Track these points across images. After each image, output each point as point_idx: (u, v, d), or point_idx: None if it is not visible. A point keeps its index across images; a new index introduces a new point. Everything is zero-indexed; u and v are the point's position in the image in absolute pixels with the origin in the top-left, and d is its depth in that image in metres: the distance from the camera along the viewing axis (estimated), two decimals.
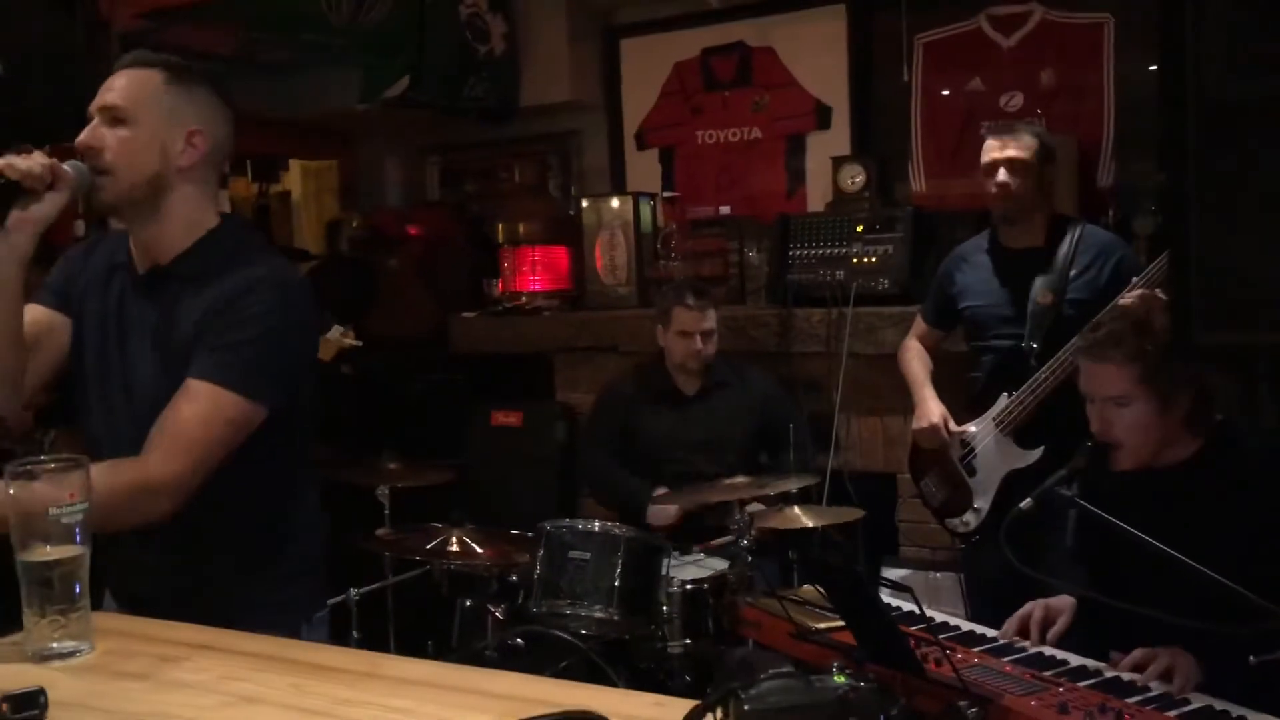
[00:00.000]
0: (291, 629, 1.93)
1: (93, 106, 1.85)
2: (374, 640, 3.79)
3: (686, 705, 1.05)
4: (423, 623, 3.79)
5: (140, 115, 1.83)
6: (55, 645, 1.40)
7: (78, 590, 1.41)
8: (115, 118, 1.82)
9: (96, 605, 1.85)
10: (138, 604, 1.91)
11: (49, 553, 1.40)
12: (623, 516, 3.86)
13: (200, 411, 1.75)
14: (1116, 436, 2.36)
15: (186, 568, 1.91)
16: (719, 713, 1.00)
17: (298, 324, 1.91)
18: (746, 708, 0.96)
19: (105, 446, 1.87)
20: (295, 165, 6.20)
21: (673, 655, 3.17)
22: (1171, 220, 2.00)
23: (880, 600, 2.30)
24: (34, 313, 1.93)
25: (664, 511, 3.62)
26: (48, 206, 1.75)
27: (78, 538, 1.41)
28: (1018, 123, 3.29)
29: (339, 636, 3.65)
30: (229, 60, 4.60)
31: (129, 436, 1.80)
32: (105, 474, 1.64)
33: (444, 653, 3.56)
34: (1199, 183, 1.96)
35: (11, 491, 1.40)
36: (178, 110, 1.85)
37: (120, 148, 1.82)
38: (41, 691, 1.22)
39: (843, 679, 0.99)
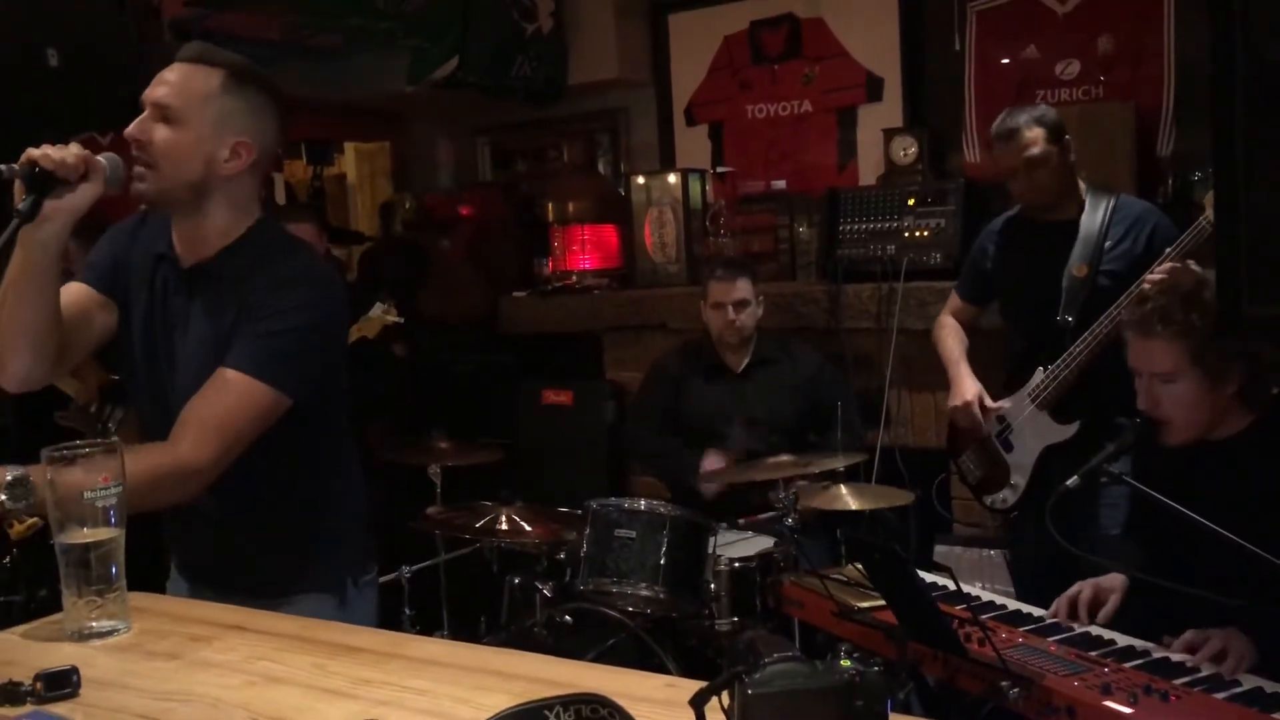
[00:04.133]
0: (339, 592, 2.02)
1: (146, 96, 1.86)
2: (426, 617, 3.84)
3: (697, 687, 1.04)
4: (474, 600, 3.83)
5: (190, 118, 1.83)
6: (93, 624, 1.44)
7: (114, 571, 1.45)
8: (165, 115, 1.84)
9: (163, 580, 1.92)
10: (196, 576, 2.02)
11: (85, 535, 1.43)
12: (672, 487, 3.87)
13: (231, 400, 1.80)
14: (1165, 413, 2.31)
15: (235, 542, 1.97)
16: (725, 697, 1.00)
17: (331, 320, 1.96)
18: (751, 692, 0.96)
19: (154, 433, 1.92)
20: (349, 148, 6.27)
21: (720, 633, 3.17)
22: (1220, 189, 1.94)
23: (920, 579, 2.28)
24: (76, 291, 1.98)
25: (713, 465, 3.62)
26: (80, 197, 1.77)
27: (113, 520, 1.44)
28: (1012, 118, 3.20)
29: (392, 613, 3.71)
30: (278, 45, 4.64)
31: (174, 417, 1.83)
32: (136, 459, 1.68)
33: (494, 630, 3.60)
34: (1248, 149, 1.90)
35: (49, 476, 1.43)
36: (229, 118, 1.86)
37: (166, 147, 1.83)
38: (74, 670, 1.25)
39: (849, 663, 0.98)
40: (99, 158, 1.79)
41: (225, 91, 1.85)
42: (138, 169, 1.84)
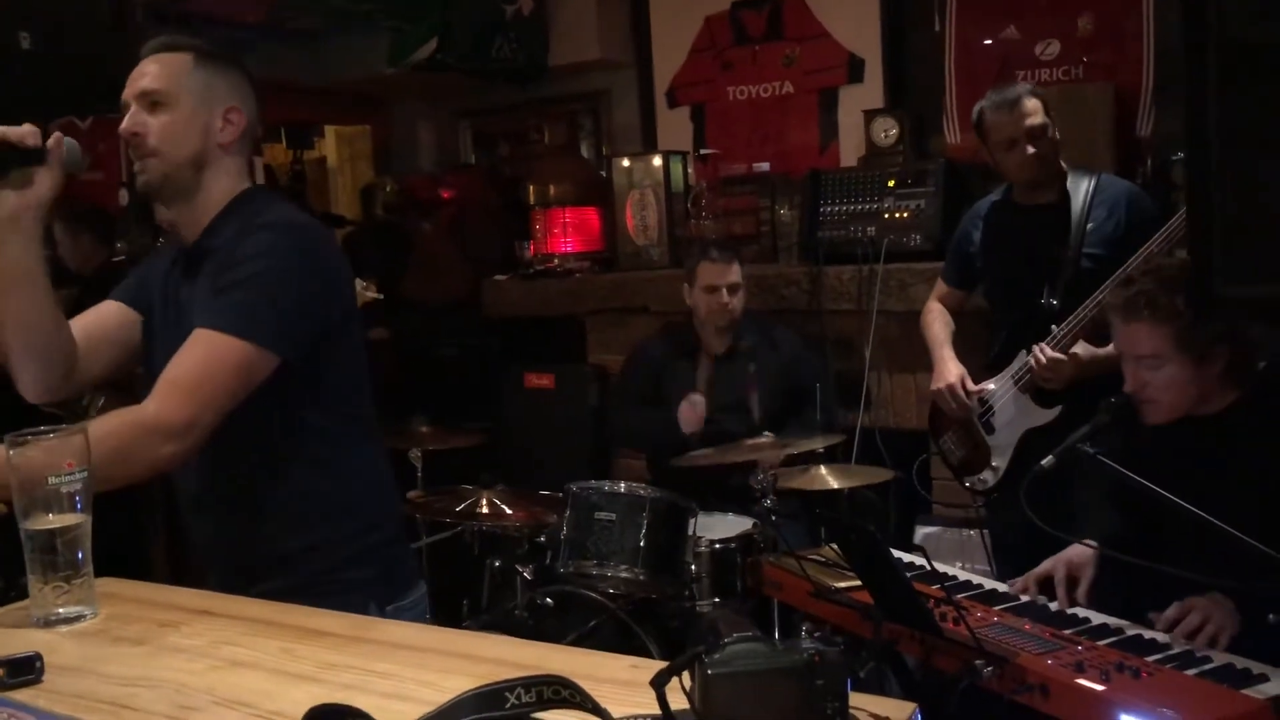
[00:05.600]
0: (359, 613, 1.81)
1: (127, 94, 1.86)
2: None
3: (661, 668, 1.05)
4: (456, 583, 3.83)
5: (179, 97, 1.84)
6: (60, 610, 1.43)
7: (80, 557, 1.44)
8: (154, 102, 1.84)
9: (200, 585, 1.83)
10: (227, 586, 1.81)
11: (51, 521, 1.42)
12: (656, 457, 3.86)
13: (197, 357, 1.72)
14: (1151, 395, 2.32)
15: (230, 543, 1.91)
16: (686, 677, 1.00)
17: (306, 268, 1.81)
18: (710, 672, 0.96)
19: None
20: (330, 131, 6.23)
21: (702, 614, 3.18)
22: (1192, 168, 1.94)
23: (895, 559, 2.28)
24: (108, 308, 1.98)
25: (693, 408, 3.62)
26: (41, 186, 1.75)
27: (79, 505, 1.43)
28: (1010, 89, 3.19)
29: None
30: (257, 28, 4.61)
31: None
32: (105, 424, 1.66)
33: (477, 612, 3.60)
34: (1220, 127, 1.90)
35: (12, 461, 1.42)
36: (213, 89, 1.87)
37: (163, 131, 1.83)
38: (37, 656, 1.25)
39: (810, 643, 0.98)
40: (59, 139, 1.78)
41: (199, 66, 1.87)
42: (138, 165, 1.84)
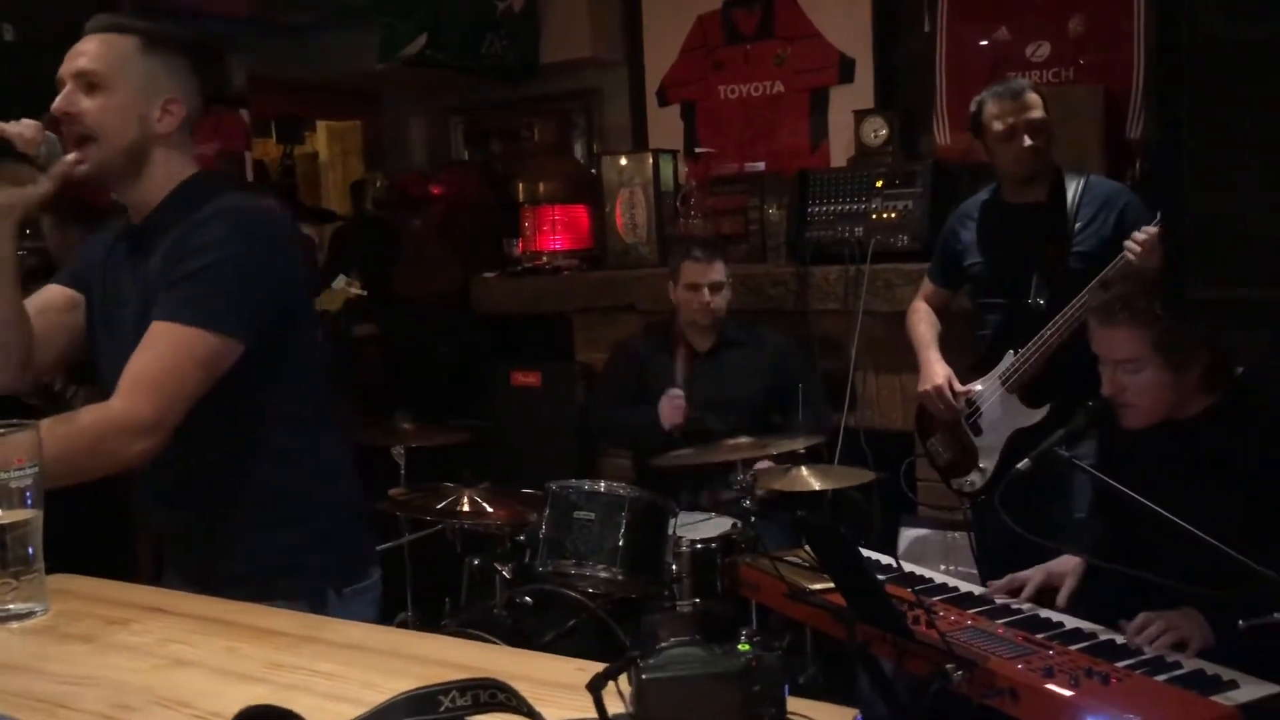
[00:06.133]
0: (316, 600, 1.86)
1: (64, 71, 1.83)
2: (389, 598, 3.82)
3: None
4: (438, 582, 3.82)
5: (116, 82, 1.81)
6: (9, 607, 1.41)
7: (30, 552, 1.42)
8: (91, 84, 1.80)
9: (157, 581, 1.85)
10: (188, 577, 1.88)
11: (1, 516, 1.41)
12: (638, 454, 3.85)
13: (160, 352, 1.72)
14: (1129, 399, 2.31)
15: (192, 531, 1.91)
16: (624, 681, 0.99)
17: (262, 255, 1.81)
18: (645, 676, 0.95)
19: None
20: (321, 127, 6.22)
21: (683, 615, 3.17)
22: (1163, 168, 1.92)
23: (865, 562, 2.27)
24: (51, 292, 1.96)
25: (673, 402, 3.61)
26: (34, 190, 1.76)
27: (29, 501, 1.42)
28: (1013, 82, 3.19)
29: None
30: (246, 22, 4.59)
31: None
32: (71, 422, 1.66)
33: (457, 610, 3.59)
34: (1192, 127, 1.88)
35: None
36: (153, 78, 1.84)
37: (99, 114, 1.80)
38: None
39: (748, 647, 0.97)
40: (37, 128, 1.77)
41: (143, 53, 1.83)
42: (75, 154, 1.80)
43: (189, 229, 1.79)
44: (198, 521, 1.91)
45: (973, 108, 3.24)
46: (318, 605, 1.85)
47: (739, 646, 0.97)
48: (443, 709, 0.99)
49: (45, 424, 1.51)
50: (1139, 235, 2.82)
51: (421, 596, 3.94)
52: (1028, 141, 3.12)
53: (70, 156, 1.80)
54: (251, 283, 1.79)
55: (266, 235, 1.85)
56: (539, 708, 1.04)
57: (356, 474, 2.03)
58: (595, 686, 0.98)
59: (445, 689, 1.00)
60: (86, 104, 1.80)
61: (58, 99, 1.81)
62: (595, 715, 0.99)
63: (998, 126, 3.15)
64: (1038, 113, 3.13)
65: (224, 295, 1.75)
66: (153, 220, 1.88)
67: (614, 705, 0.99)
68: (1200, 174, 1.87)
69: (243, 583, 1.73)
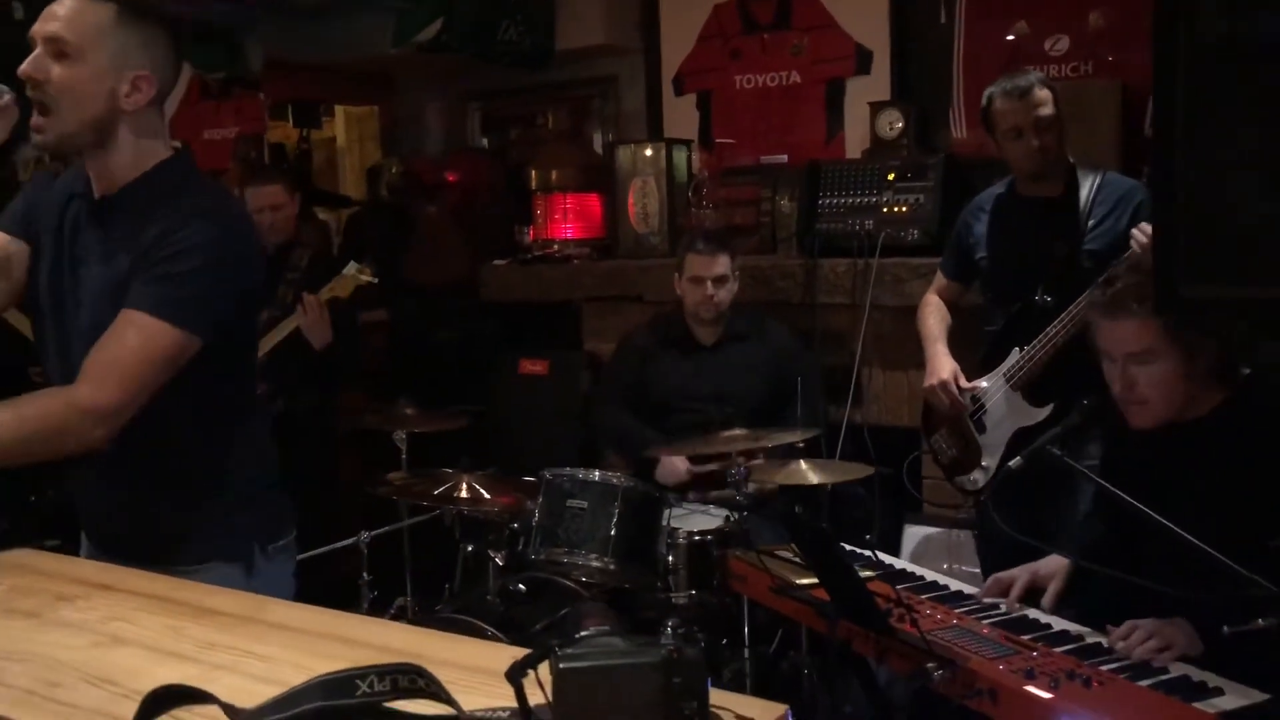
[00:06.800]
0: (245, 557, 1.95)
1: (36, 31, 1.79)
2: (386, 583, 3.83)
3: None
4: (437, 567, 3.81)
5: (86, 53, 1.78)
6: None
7: None
8: (60, 51, 1.78)
9: (74, 547, 1.91)
10: (106, 542, 1.96)
11: None
12: (634, 467, 3.83)
13: (133, 341, 1.74)
14: (1141, 394, 2.24)
15: (134, 503, 1.93)
16: (545, 670, 0.97)
17: (237, 257, 1.87)
18: (562, 666, 0.93)
19: (57, 374, 1.88)
20: (340, 111, 6.22)
21: (677, 605, 3.15)
22: (1157, 166, 1.88)
23: (847, 559, 2.24)
24: None
25: (673, 468, 3.57)
26: None
27: None
28: (1022, 77, 3.11)
29: (349, 579, 3.70)
30: (259, 3, 4.59)
31: (79, 365, 1.79)
32: (35, 403, 1.67)
33: (454, 596, 3.59)
34: (1187, 126, 1.84)
35: None
36: (126, 51, 1.81)
37: (65, 84, 1.77)
38: None
39: (670, 638, 0.94)
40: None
41: (119, 24, 1.80)
42: (36, 119, 1.79)
43: (172, 224, 1.80)
44: (137, 495, 1.93)
45: (983, 101, 3.19)
46: (248, 564, 1.95)
47: (663, 638, 0.95)
48: (359, 693, 0.97)
49: (7, 405, 1.52)
50: (1147, 226, 2.77)
51: (420, 582, 3.94)
52: (1035, 141, 3.06)
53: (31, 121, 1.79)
54: (224, 286, 1.85)
55: (242, 239, 1.91)
56: (465, 694, 1.02)
57: (273, 444, 2.12)
58: (514, 675, 0.96)
59: (363, 673, 0.99)
60: (54, 72, 1.77)
61: (25, 62, 1.78)
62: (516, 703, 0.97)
63: (1005, 124, 3.10)
64: (1046, 110, 3.06)
65: (201, 298, 1.80)
66: (122, 199, 1.87)
67: (535, 695, 0.97)
68: (1195, 171, 1.83)
69: (169, 555, 1.83)
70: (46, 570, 1.48)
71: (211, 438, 1.95)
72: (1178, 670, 1.99)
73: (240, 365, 1.99)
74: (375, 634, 1.23)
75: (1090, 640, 2.15)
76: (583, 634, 0.89)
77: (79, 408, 1.71)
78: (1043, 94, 3.07)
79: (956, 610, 2.33)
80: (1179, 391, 2.23)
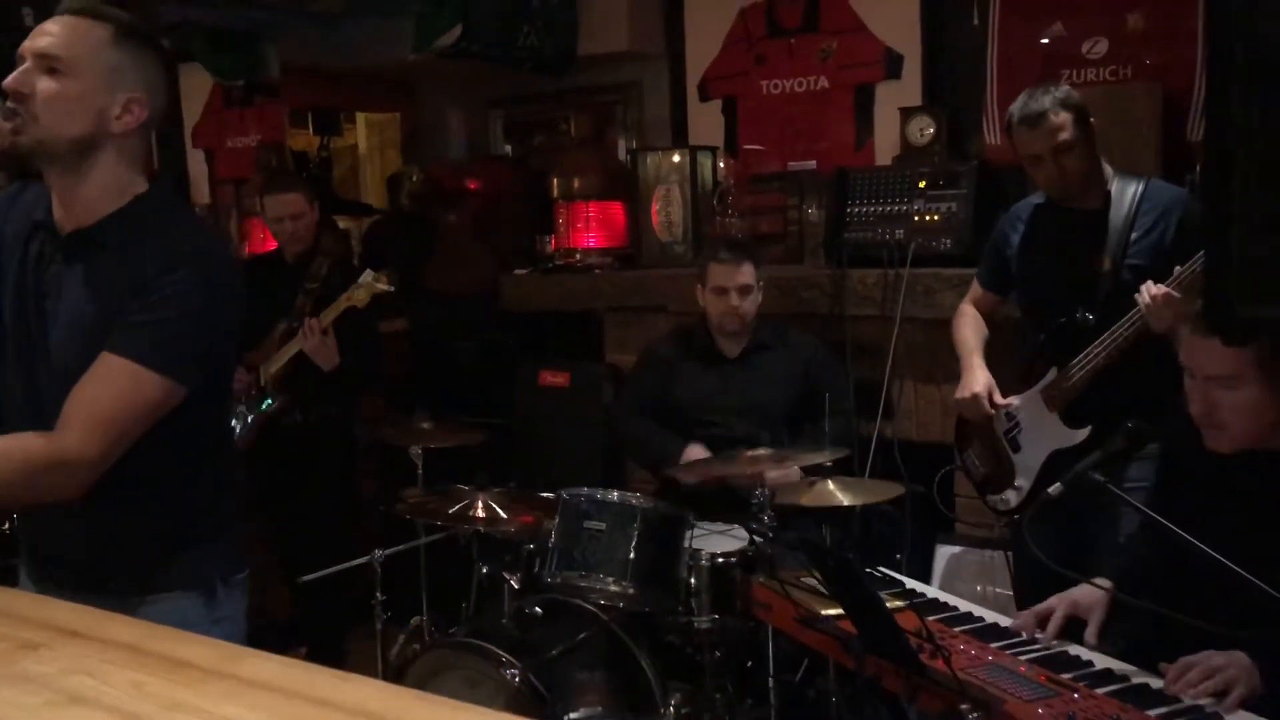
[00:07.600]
0: (207, 590, 1.92)
1: (26, 47, 1.75)
2: (401, 603, 3.73)
3: None
4: (454, 587, 3.71)
5: (79, 69, 1.73)
6: None
7: None
8: (52, 67, 1.73)
9: (11, 581, 1.83)
10: (47, 574, 1.91)
11: None
12: (655, 475, 3.72)
13: (119, 390, 1.71)
14: (1222, 419, 2.10)
15: (98, 533, 1.86)
16: None
17: (221, 303, 1.84)
18: None
19: (18, 410, 1.82)
20: (361, 119, 6.16)
21: (700, 630, 3.03)
22: (1210, 180, 1.76)
23: (874, 591, 2.12)
24: None
25: (696, 454, 3.46)
26: None
27: None
28: (1038, 100, 2.94)
29: (363, 600, 3.61)
30: (277, 9, 4.52)
31: (46, 400, 1.75)
32: (17, 449, 1.64)
33: (468, 619, 3.48)
34: (1243, 138, 1.73)
35: None
36: (120, 72, 1.77)
37: (50, 99, 1.72)
38: None
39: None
40: None
41: (115, 45, 1.76)
42: (15, 124, 1.72)
43: (156, 268, 1.75)
44: (104, 526, 1.86)
45: (1005, 121, 3.05)
46: (209, 593, 1.92)
47: None
48: None
49: None
50: (1152, 289, 2.65)
51: (437, 600, 3.84)
52: (1055, 168, 2.92)
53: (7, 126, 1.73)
54: (209, 334, 1.83)
55: (229, 287, 1.87)
56: None
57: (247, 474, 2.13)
58: None
59: None
60: (41, 85, 1.72)
61: (11, 76, 1.73)
62: None
63: (1023, 152, 2.96)
64: (1064, 135, 2.88)
65: (187, 347, 1.77)
66: (97, 234, 1.80)
67: None
68: (1250, 182, 1.72)
69: (127, 585, 1.82)
70: (14, 613, 1.38)
71: (180, 478, 1.90)
72: (1235, 719, 1.85)
73: (215, 395, 1.95)
74: (350, 694, 1.12)
75: (1136, 681, 2.02)
76: (572, 716, 0.78)
77: (64, 460, 1.68)
78: (1059, 119, 2.88)
79: (992, 645, 2.20)
80: (1263, 420, 2.08)
